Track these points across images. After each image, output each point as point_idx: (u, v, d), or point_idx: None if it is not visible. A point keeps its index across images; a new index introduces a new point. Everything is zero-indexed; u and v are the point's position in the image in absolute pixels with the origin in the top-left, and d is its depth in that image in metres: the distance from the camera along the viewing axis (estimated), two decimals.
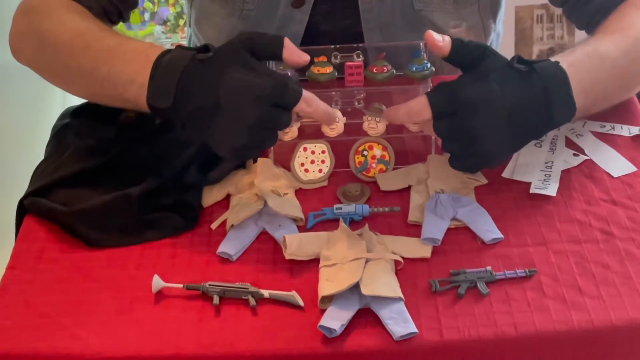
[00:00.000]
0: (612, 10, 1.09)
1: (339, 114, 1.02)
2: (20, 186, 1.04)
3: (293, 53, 0.96)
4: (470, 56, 0.96)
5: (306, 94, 0.93)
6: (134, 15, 2.10)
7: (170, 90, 0.93)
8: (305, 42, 1.18)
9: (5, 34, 1.66)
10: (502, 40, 1.49)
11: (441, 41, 0.96)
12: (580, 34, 2.14)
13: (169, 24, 2.11)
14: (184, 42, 2.06)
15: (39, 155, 1.10)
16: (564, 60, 0.98)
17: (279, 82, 0.91)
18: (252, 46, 0.94)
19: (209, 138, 0.94)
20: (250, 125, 0.90)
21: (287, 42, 0.96)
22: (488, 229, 0.94)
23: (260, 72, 0.92)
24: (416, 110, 0.94)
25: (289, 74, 1.04)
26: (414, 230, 0.95)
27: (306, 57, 0.97)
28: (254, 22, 1.18)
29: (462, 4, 1.19)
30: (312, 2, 1.17)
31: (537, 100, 0.94)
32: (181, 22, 2.09)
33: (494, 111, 0.92)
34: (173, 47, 0.98)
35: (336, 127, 1.02)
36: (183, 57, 0.94)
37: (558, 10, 2.13)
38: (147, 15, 2.12)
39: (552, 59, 0.97)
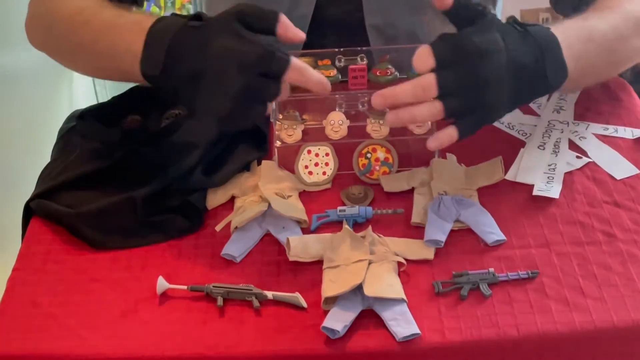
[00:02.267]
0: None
1: (343, 116, 1.02)
2: (27, 189, 1.05)
3: (287, 29, 0.94)
4: (470, 12, 0.95)
5: (296, 62, 0.91)
6: None
7: (159, 57, 0.93)
8: (312, 25, 1.18)
9: (9, 38, 1.68)
10: None
11: None
12: None
13: None
14: None
15: (46, 158, 1.11)
16: (555, 28, 0.99)
17: (266, 50, 0.89)
18: (245, 18, 0.93)
19: (196, 106, 0.93)
20: (235, 93, 0.89)
21: (283, 18, 0.94)
22: (491, 231, 0.95)
23: (248, 40, 0.90)
24: (420, 59, 0.91)
25: None
26: (417, 232, 0.95)
27: (301, 35, 0.95)
28: (264, 3, 1.18)
29: None
30: None
31: (533, 58, 0.94)
32: None
33: (500, 59, 0.92)
34: (168, 15, 0.98)
35: (340, 129, 1.03)
36: (174, 25, 0.94)
37: None
38: None
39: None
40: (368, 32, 1.16)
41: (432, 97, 0.91)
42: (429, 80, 0.91)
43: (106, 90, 2.12)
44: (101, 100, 2.11)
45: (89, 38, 1.05)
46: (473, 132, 0.95)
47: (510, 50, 0.93)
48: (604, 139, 1.08)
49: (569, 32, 0.99)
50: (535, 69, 0.95)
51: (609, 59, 1.06)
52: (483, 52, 0.91)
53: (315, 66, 1.08)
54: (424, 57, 0.91)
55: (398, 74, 1.06)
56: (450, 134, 0.93)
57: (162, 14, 2.16)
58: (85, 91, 2.12)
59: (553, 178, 1.02)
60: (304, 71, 0.92)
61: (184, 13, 2.15)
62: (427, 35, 1.17)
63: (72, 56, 1.12)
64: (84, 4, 1.08)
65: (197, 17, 0.95)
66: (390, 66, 1.06)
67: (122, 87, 1.12)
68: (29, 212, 1.01)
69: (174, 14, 0.98)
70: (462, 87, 0.91)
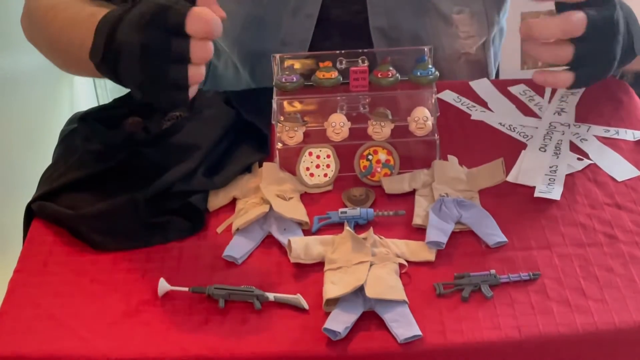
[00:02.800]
0: None
1: (344, 118, 1.02)
2: (28, 191, 1.05)
3: None
4: None
5: (196, 11, 0.85)
6: None
7: (100, 47, 0.91)
8: (317, 26, 1.18)
9: (10, 40, 1.68)
10: (508, 46, 1.48)
11: None
12: None
13: None
14: None
15: (47, 160, 1.11)
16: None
17: (158, 5, 0.86)
18: None
19: (122, 81, 0.91)
20: (139, 56, 0.86)
21: None
22: (492, 233, 0.95)
23: (149, 2, 0.87)
24: (572, 25, 0.95)
25: (294, 78, 1.05)
26: (419, 233, 0.95)
27: (221, 12, 0.88)
28: (267, 6, 1.18)
29: None
30: None
31: (626, 27, 1.00)
32: None
33: (621, 20, 0.97)
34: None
35: (341, 131, 1.03)
36: (115, 14, 0.92)
37: None
38: None
39: None
40: (372, 35, 1.16)
41: (579, 34, 0.94)
42: (581, 16, 0.94)
43: (107, 93, 2.12)
44: (102, 103, 2.11)
45: (55, 34, 1.05)
46: (587, 84, 1.00)
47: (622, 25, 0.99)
48: (605, 141, 1.08)
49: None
50: (628, 36, 1.00)
51: None
52: (619, 8, 0.96)
53: (317, 68, 1.08)
54: (579, 24, 0.94)
55: (399, 76, 1.06)
56: (566, 78, 0.97)
57: None
58: (86, 93, 2.12)
59: (554, 180, 1.02)
60: (208, 20, 0.85)
61: None
62: (430, 38, 1.17)
63: (47, 52, 1.13)
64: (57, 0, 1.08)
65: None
66: (391, 68, 1.06)
67: (123, 90, 1.12)
68: (30, 214, 1.01)
69: (119, 7, 0.96)
70: (599, 34, 0.95)
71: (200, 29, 0.86)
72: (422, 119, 1.02)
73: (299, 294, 0.88)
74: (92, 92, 2.13)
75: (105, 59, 0.92)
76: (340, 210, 0.97)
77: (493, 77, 1.32)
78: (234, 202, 1.01)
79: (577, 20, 0.95)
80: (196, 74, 0.87)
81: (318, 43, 1.18)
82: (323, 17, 1.19)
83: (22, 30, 1.17)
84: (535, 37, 0.97)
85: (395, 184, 1.02)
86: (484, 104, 1.16)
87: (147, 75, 0.87)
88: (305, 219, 0.97)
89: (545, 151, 1.07)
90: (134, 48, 0.87)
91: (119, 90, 1.10)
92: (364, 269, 0.88)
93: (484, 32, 1.24)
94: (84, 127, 1.09)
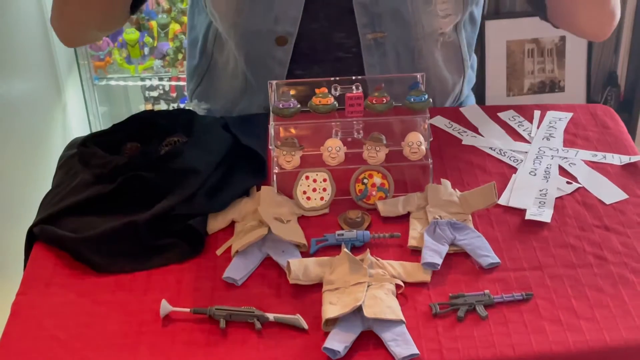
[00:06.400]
0: None
1: (340, 143, 1.05)
2: (29, 216, 1.06)
3: None
4: None
5: None
6: (134, 50, 2.13)
7: None
8: (305, 12, 1.18)
9: (4, 67, 1.69)
10: (494, 73, 1.49)
11: None
12: (570, 68, 2.18)
13: (168, 58, 2.13)
14: (183, 76, 2.09)
15: (45, 184, 1.12)
16: None
17: None
18: None
19: None
20: None
21: None
22: (485, 254, 0.97)
23: None
24: None
25: (291, 104, 1.07)
26: (414, 255, 0.97)
27: None
28: None
29: None
30: None
31: None
32: (180, 56, 2.12)
33: None
34: None
35: (337, 156, 1.05)
36: None
37: (548, 45, 2.19)
38: (147, 50, 2.15)
39: None
40: (355, 10, 1.17)
41: None
42: None
43: (99, 119, 2.14)
44: (95, 129, 2.13)
45: None
46: None
47: None
48: (593, 165, 1.11)
49: None
50: None
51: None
52: None
53: (313, 94, 1.10)
54: None
55: (393, 102, 1.09)
56: None
57: (155, 44, 2.18)
58: (79, 119, 2.13)
59: (544, 203, 1.04)
60: None
61: (177, 43, 2.17)
62: (411, 14, 1.19)
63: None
64: None
65: None
66: (385, 94, 1.09)
67: (114, 118, 1.13)
68: (32, 237, 1.02)
69: None
70: None
71: None
72: (416, 143, 1.05)
73: (298, 314, 0.90)
74: (84, 118, 2.15)
75: None
76: (337, 232, 0.99)
77: (468, 62, 1.33)
78: (232, 225, 1.03)
79: None
80: None
81: (306, 25, 1.19)
82: (310, 5, 1.19)
83: (54, 29, 1.19)
84: None
85: (390, 207, 1.04)
86: (474, 129, 1.19)
87: None
88: (303, 241, 0.99)
89: (535, 175, 1.09)
90: None
91: (110, 117, 1.12)
92: (362, 289, 0.90)
93: (459, 11, 1.26)
94: (83, 152, 1.10)
